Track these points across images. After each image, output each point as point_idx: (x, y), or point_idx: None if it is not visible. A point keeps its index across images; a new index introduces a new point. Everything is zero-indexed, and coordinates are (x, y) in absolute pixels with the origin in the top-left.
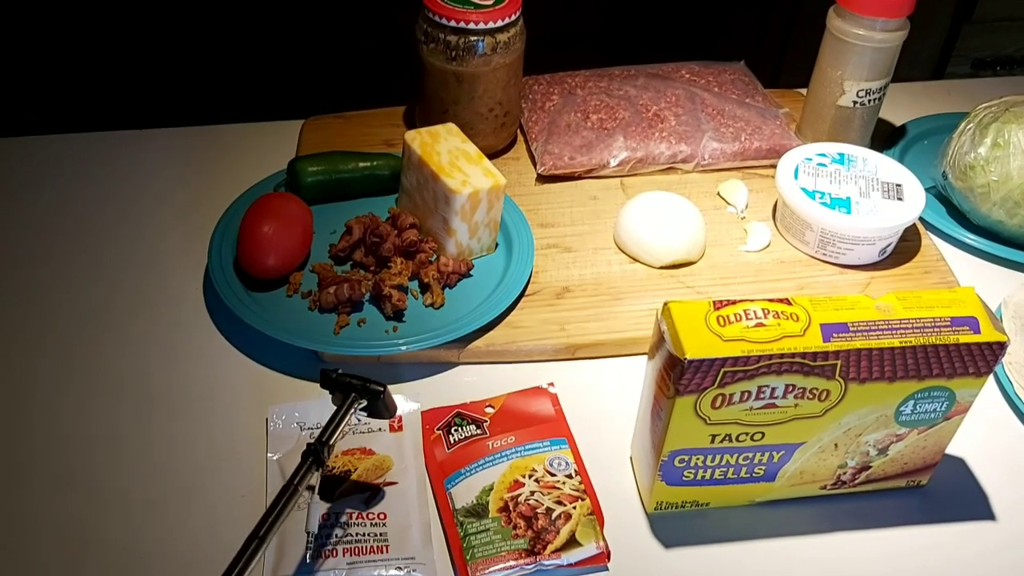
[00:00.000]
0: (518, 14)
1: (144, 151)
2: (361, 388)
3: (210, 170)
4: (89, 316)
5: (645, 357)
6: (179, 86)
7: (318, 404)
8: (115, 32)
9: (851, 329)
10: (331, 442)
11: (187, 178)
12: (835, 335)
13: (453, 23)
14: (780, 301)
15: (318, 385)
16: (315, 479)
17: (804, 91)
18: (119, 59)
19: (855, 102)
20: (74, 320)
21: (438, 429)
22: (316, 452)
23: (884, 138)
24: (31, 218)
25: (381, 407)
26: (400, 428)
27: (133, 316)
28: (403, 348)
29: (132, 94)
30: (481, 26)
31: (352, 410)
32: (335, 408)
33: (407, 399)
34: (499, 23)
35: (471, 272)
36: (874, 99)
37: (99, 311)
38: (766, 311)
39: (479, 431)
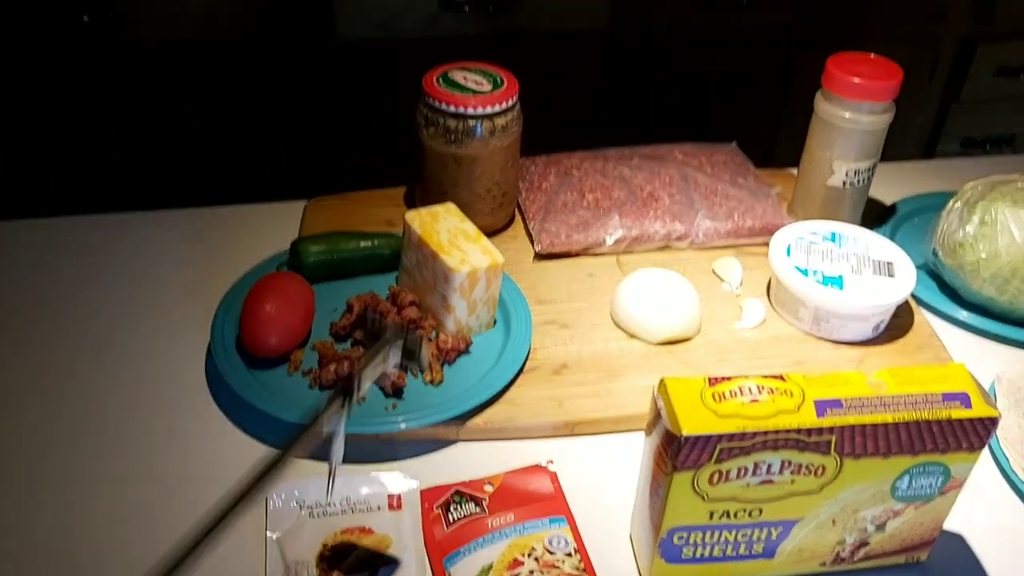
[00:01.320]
0: (515, 99)
1: (150, 232)
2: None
3: (215, 250)
4: (91, 394)
5: (643, 433)
6: (186, 169)
7: (318, 482)
8: (122, 115)
9: (845, 405)
10: (362, 381)
11: (192, 258)
12: (829, 410)
13: (452, 108)
14: (774, 377)
15: (318, 463)
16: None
17: (795, 171)
18: (127, 142)
19: (845, 182)
20: (76, 398)
21: (437, 507)
22: (349, 385)
23: (875, 216)
24: (34, 299)
25: (415, 350)
26: (399, 506)
27: (135, 394)
28: (402, 426)
29: (139, 177)
30: (479, 111)
31: (389, 347)
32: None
33: (406, 477)
34: (496, 108)
35: (470, 349)
36: (863, 179)
37: (101, 389)
38: (760, 387)
39: (478, 509)
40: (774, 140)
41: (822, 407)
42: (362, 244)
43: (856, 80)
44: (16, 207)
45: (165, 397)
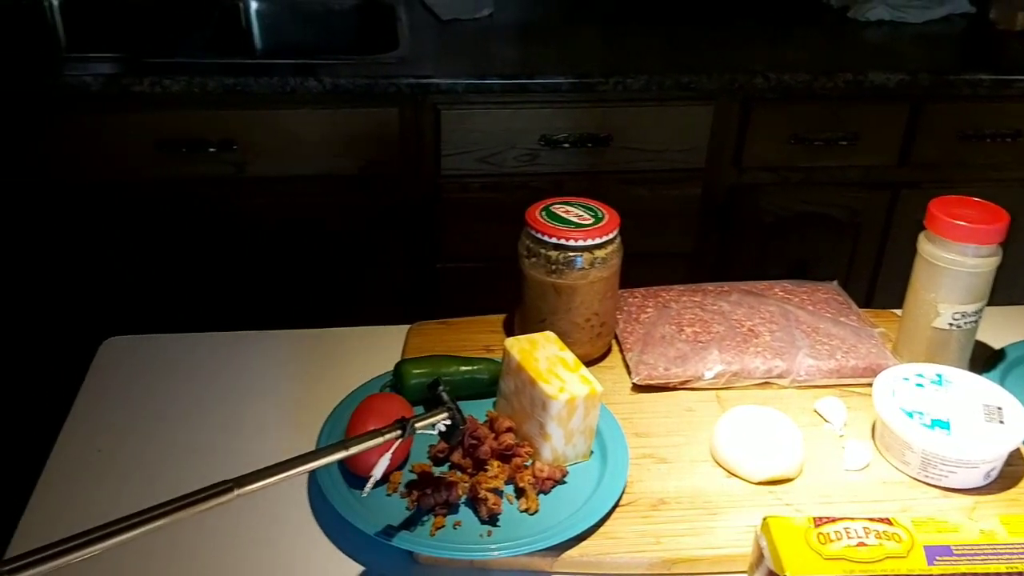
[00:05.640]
0: (615, 232)
1: (261, 351)
2: (452, 411)
3: (322, 370)
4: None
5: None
6: (297, 291)
7: None
8: (241, 240)
9: (955, 552)
10: (416, 426)
11: (299, 377)
12: (939, 558)
13: (554, 240)
14: (881, 520)
15: None
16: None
17: (899, 312)
18: (242, 265)
19: (951, 324)
20: None
21: None
22: (404, 424)
23: (983, 361)
24: (143, 413)
25: (456, 433)
26: None
27: (237, 512)
28: (496, 554)
29: (253, 298)
30: (580, 243)
31: (438, 419)
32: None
33: None
34: (597, 240)
35: (566, 479)
36: (970, 322)
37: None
38: (867, 530)
39: None
40: (874, 281)
41: (932, 553)
42: (462, 368)
43: (961, 223)
44: (132, 323)
45: (267, 515)
